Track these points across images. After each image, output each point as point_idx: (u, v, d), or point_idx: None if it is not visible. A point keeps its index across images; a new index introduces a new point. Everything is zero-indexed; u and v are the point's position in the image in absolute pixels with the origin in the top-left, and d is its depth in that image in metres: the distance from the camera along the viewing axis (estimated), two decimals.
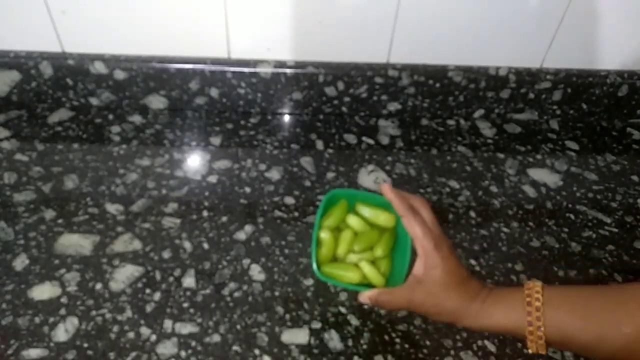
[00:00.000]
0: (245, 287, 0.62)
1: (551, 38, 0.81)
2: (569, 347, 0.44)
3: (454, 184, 0.77)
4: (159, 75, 0.80)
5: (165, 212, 0.69)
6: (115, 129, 0.81)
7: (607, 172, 0.82)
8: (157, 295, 0.60)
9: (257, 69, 0.80)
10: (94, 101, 0.84)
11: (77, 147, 0.78)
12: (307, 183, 0.75)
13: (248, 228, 0.68)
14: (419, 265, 0.50)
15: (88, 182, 0.73)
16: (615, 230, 0.72)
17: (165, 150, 0.78)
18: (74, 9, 0.74)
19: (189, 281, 0.62)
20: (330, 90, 0.83)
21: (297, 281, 0.63)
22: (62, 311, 0.58)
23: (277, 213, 0.70)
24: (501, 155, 0.83)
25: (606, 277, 0.66)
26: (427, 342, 0.58)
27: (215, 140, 0.81)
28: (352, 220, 0.56)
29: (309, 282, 0.63)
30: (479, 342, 0.58)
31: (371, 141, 0.83)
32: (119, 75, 0.80)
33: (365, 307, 0.61)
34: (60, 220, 0.67)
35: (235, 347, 0.56)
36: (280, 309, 0.60)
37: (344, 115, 0.87)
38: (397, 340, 0.58)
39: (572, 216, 0.74)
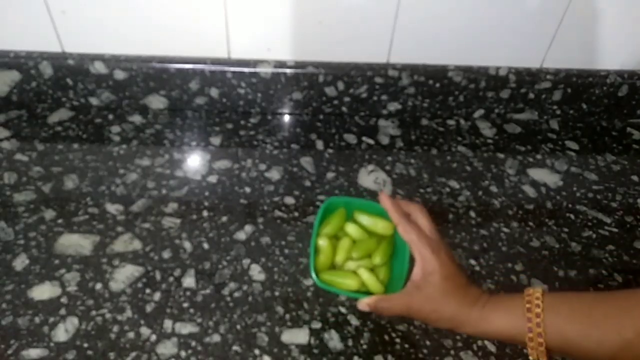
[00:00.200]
0: (245, 287, 0.62)
1: (551, 38, 0.81)
2: (569, 353, 0.44)
3: (454, 184, 0.77)
4: (159, 75, 0.80)
5: (165, 212, 0.69)
6: (115, 129, 0.81)
7: (607, 172, 0.82)
8: (157, 295, 0.60)
9: (257, 69, 0.80)
10: (94, 101, 0.84)
11: (77, 147, 0.78)
12: (307, 183, 0.75)
13: (248, 228, 0.68)
14: (417, 271, 0.49)
15: (88, 182, 0.73)
16: (615, 230, 0.72)
17: (165, 150, 0.78)
18: (74, 9, 0.74)
19: (189, 281, 0.62)
20: (330, 90, 0.83)
21: (297, 281, 0.63)
22: (62, 311, 0.58)
23: (277, 213, 0.70)
24: (501, 155, 0.83)
25: (606, 277, 0.66)
26: (427, 342, 0.58)
27: (215, 140, 0.81)
28: (351, 229, 0.56)
29: (309, 282, 0.63)
30: (479, 342, 0.58)
31: (371, 141, 0.83)
32: (119, 75, 0.80)
33: None
34: (60, 220, 0.67)
35: (235, 347, 0.56)
36: (280, 309, 0.60)
37: (344, 115, 0.87)
38: (397, 340, 0.58)
39: (572, 216, 0.74)
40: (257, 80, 0.81)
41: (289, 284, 0.62)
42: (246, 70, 0.80)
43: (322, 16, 0.76)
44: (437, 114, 0.88)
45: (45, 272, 0.61)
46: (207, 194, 0.72)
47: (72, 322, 0.57)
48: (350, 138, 0.83)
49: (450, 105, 0.87)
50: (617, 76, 0.85)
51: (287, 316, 0.59)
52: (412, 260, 0.51)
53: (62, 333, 0.56)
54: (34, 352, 0.54)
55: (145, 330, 0.57)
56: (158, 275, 0.62)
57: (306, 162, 0.78)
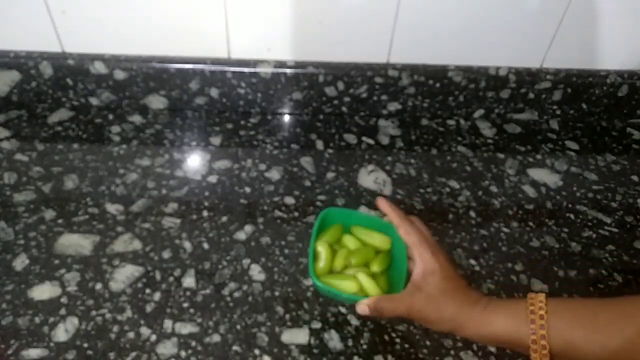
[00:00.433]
0: (245, 287, 0.62)
1: (551, 38, 0.81)
2: (573, 358, 0.43)
3: (454, 184, 0.77)
4: (159, 75, 0.80)
5: (165, 212, 0.69)
6: (115, 129, 0.81)
7: (607, 172, 0.82)
8: (157, 295, 0.60)
9: (257, 69, 0.80)
10: (94, 101, 0.84)
11: (77, 147, 0.78)
12: (307, 183, 0.75)
13: (248, 228, 0.68)
14: (417, 272, 0.50)
15: (88, 182, 0.73)
16: (615, 230, 0.72)
17: (165, 150, 0.78)
18: (74, 9, 0.74)
19: (189, 281, 0.62)
20: (330, 90, 0.83)
21: (297, 281, 0.63)
22: (62, 311, 0.58)
23: (277, 213, 0.70)
24: (501, 155, 0.83)
25: (606, 277, 0.66)
26: (427, 342, 0.58)
27: (215, 140, 0.81)
28: (348, 240, 0.57)
29: (309, 282, 0.63)
30: (480, 343, 0.58)
31: (371, 141, 0.83)
32: (119, 75, 0.80)
33: None
34: (60, 220, 0.67)
35: (235, 347, 0.56)
36: (280, 309, 0.60)
37: (344, 115, 0.87)
38: (397, 340, 0.58)
39: (572, 216, 0.74)
40: (257, 80, 0.81)
41: (289, 284, 0.62)
42: (246, 70, 0.80)
43: (322, 16, 0.76)
44: (437, 114, 0.88)
45: (45, 272, 0.61)
46: (207, 194, 0.72)
47: (72, 322, 0.57)
48: (350, 138, 0.83)
49: (450, 105, 0.87)
50: (617, 76, 0.85)
51: (287, 316, 0.59)
52: (409, 274, 0.51)
53: (62, 333, 0.56)
54: (34, 352, 0.54)
55: (145, 330, 0.57)
56: (158, 275, 0.62)
57: (306, 162, 0.78)
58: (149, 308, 0.59)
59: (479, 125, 0.88)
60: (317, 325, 0.59)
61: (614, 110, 0.90)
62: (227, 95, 0.83)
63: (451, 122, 0.88)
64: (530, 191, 0.77)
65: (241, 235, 0.67)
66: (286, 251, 0.66)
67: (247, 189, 0.73)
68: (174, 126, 0.83)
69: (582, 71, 0.84)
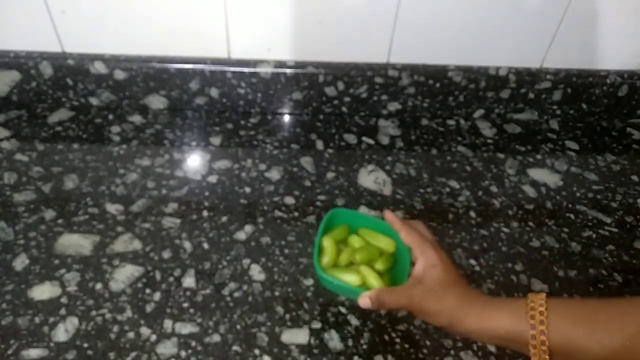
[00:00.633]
0: (245, 287, 0.62)
1: (551, 38, 0.81)
2: (572, 356, 0.43)
3: (454, 184, 0.77)
4: (159, 75, 0.80)
5: (165, 212, 0.69)
6: (115, 129, 0.81)
7: (607, 172, 0.82)
8: (157, 295, 0.60)
9: (257, 69, 0.80)
10: (94, 101, 0.84)
11: (77, 147, 0.78)
12: (307, 183, 0.75)
13: (248, 228, 0.68)
14: (419, 267, 0.50)
15: (88, 182, 0.73)
16: (615, 230, 0.72)
17: (165, 150, 0.78)
18: (74, 9, 0.74)
19: (189, 281, 0.62)
20: (330, 90, 0.83)
21: (297, 281, 0.63)
22: (62, 311, 0.58)
23: (277, 213, 0.70)
24: (501, 155, 0.83)
25: (606, 277, 0.66)
26: (427, 342, 0.58)
27: (215, 140, 0.81)
28: (354, 240, 0.57)
29: (309, 282, 0.63)
30: (479, 342, 0.58)
31: (371, 141, 0.83)
32: (119, 75, 0.80)
33: None
34: (60, 220, 0.67)
35: (235, 347, 0.56)
36: (280, 309, 0.60)
37: (344, 115, 0.87)
38: (397, 340, 0.58)
39: (572, 216, 0.74)
40: (257, 80, 0.81)
41: (289, 284, 0.62)
42: (246, 70, 0.80)
43: (322, 16, 0.76)
44: (437, 114, 0.88)
45: (45, 272, 0.61)
46: (207, 194, 0.72)
47: (72, 322, 0.57)
48: (350, 138, 0.83)
49: (450, 105, 0.87)
50: (617, 76, 0.85)
51: (287, 316, 0.59)
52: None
53: (62, 333, 0.56)
54: (34, 352, 0.54)
55: (145, 330, 0.57)
56: (158, 275, 0.62)
57: (306, 162, 0.78)
58: (149, 308, 0.59)
59: (479, 125, 0.88)
60: (317, 325, 0.59)
61: (614, 110, 0.90)
62: (227, 95, 0.83)
63: (451, 122, 0.88)
64: (530, 191, 0.77)
65: (241, 235, 0.67)
66: (286, 251, 0.66)
67: (247, 189, 0.73)
68: (174, 126, 0.83)
69: (582, 71, 0.84)
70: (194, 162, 0.77)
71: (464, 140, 0.85)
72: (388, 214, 0.55)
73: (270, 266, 0.64)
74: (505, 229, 0.71)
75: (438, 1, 0.75)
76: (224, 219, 0.69)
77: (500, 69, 0.83)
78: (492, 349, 0.58)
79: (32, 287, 0.60)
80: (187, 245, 0.66)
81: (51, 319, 0.57)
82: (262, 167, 0.77)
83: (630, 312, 0.42)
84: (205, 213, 0.69)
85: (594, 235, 0.71)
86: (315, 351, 0.56)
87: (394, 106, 0.86)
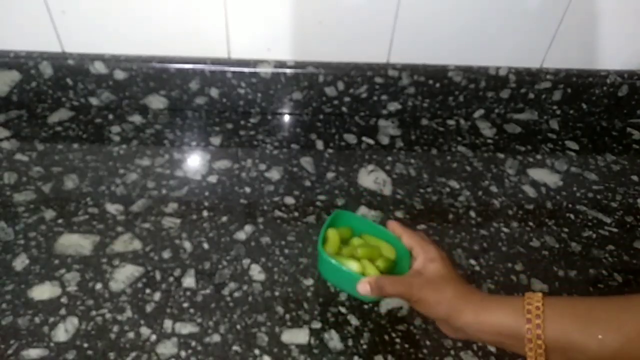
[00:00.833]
0: (245, 287, 0.62)
1: (551, 38, 0.81)
2: (569, 354, 0.43)
3: (454, 184, 0.77)
4: (159, 75, 0.80)
5: (165, 212, 0.69)
6: (115, 129, 0.81)
7: (607, 172, 0.82)
8: (157, 295, 0.60)
9: (257, 69, 0.80)
10: (94, 101, 0.84)
11: (77, 147, 0.78)
12: (307, 183, 0.75)
13: (248, 228, 0.68)
14: (419, 261, 0.52)
15: (88, 182, 0.73)
16: (615, 230, 0.72)
17: (165, 150, 0.78)
18: (74, 9, 0.74)
19: (189, 281, 0.62)
20: (330, 90, 0.83)
21: (297, 281, 0.63)
22: (62, 311, 0.58)
23: (277, 213, 0.70)
24: (501, 155, 0.83)
25: (606, 277, 0.66)
26: (427, 342, 0.58)
27: (215, 140, 0.81)
28: (356, 241, 0.58)
29: (309, 282, 0.63)
30: (479, 342, 0.58)
31: (371, 141, 0.83)
32: (119, 75, 0.80)
33: (365, 307, 0.61)
34: (60, 220, 0.67)
35: (235, 347, 0.56)
36: (280, 309, 0.60)
37: (344, 115, 0.87)
38: (397, 340, 0.58)
39: (572, 216, 0.74)
40: (257, 80, 0.81)
41: (289, 284, 0.62)
42: (246, 70, 0.80)
43: (322, 16, 0.76)
44: (437, 114, 0.88)
45: (45, 272, 0.61)
46: (207, 194, 0.72)
47: (72, 322, 0.57)
48: (350, 138, 0.83)
49: (450, 105, 0.87)
50: (617, 76, 0.85)
51: (287, 316, 0.59)
52: None
53: (62, 333, 0.56)
54: (34, 352, 0.54)
55: (145, 330, 0.57)
56: (158, 275, 0.62)
57: (306, 162, 0.78)
58: (149, 308, 0.59)
59: (479, 125, 0.88)
60: (317, 325, 0.59)
61: (614, 110, 0.90)
62: (227, 95, 0.83)
63: (451, 122, 0.88)
64: (530, 191, 0.77)
65: (241, 235, 0.67)
66: (286, 251, 0.66)
67: (247, 189, 0.73)
68: (174, 126, 0.83)
69: (582, 71, 0.84)
70: (194, 162, 0.77)
71: (464, 140, 0.85)
72: (391, 223, 0.56)
73: (270, 266, 0.64)
74: (505, 229, 0.71)
75: (438, 1, 0.75)
76: (224, 219, 0.69)
77: (500, 69, 0.83)
78: (492, 349, 0.58)
79: (32, 287, 0.60)
80: (187, 245, 0.66)
81: (51, 319, 0.57)
82: (262, 167, 0.77)
83: (627, 310, 0.42)
84: (205, 213, 0.69)
85: (594, 235, 0.71)
86: (315, 351, 0.56)
87: (394, 106, 0.86)
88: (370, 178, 0.77)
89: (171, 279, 0.62)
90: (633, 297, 0.43)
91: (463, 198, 0.75)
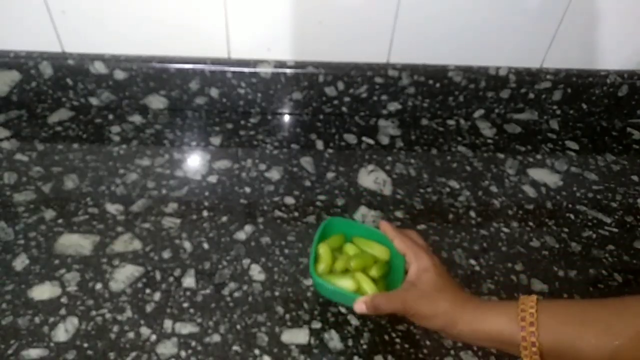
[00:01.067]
0: (245, 287, 0.62)
1: (551, 38, 0.81)
2: (563, 357, 0.43)
3: (454, 184, 0.77)
4: (159, 75, 0.80)
5: (165, 212, 0.69)
6: (115, 129, 0.81)
7: (607, 172, 0.82)
8: (157, 295, 0.60)
9: (257, 69, 0.80)
10: (94, 101, 0.84)
11: (77, 147, 0.78)
12: (307, 183, 0.75)
13: (248, 228, 0.68)
14: (412, 271, 0.52)
15: (88, 182, 0.73)
16: (615, 230, 0.72)
17: (165, 150, 0.78)
18: (74, 9, 0.74)
19: (189, 281, 0.62)
20: (330, 90, 0.83)
21: (297, 281, 0.63)
22: (62, 311, 0.58)
23: (277, 213, 0.70)
24: (501, 155, 0.83)
25: (606, 277, 0.66)
26: (427, 342, 0.58)
27: (215, 140, 0.81)
28: (349, 248, 0.59)
29: (309, 282, 0.63)
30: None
31: (371, 141, 0.83)
32: (119, 75, 0.80)
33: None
34: (60, 220, 0.67)
35: (235, 347, 0.56)
36: (280, 309, 0.60)
37: (344, 115, 0.87)
38: (397, 340, 0.58)
39: (572, 216, 0.74)
40: (257, 80, 0.81)
41: (289, 284, 0.62)
42: (246, 70, 0.80)
43: (322, 16, 0.76)
44: (437, 114, 0.88)
45: (45, 272, 0.61)
46: (207, 194, 0.72)
47: (72, 322, 0.57)
48: (350, 138, 0.83)
49: (450, 105, 0.87)
50: (617, 76, 0.85)
51: (287, 316, 0.59)
52: None
53: (62, 333, 0.56)
54: (34, 352, 0.54)
55: (145, 330, 0.57)
56: (158, 275, 0.62)
57: (306, 162, 0.78)
58: (149, 308, 0.59)
59: (479, 125, 0.88)
60: (317, 325, 0.59)
61: (614, 110, 0.90)
62: (227, 95, 0.83)
63: (451, 122, 0.88)
64: (530, 191, 0.77)
65: (241, 235, 0.67)
66: (286, 251, 0.66)
67: (247, 189, 0.73)
68: (174, 126, 0.83)
69: (582, 71, 0.84)
70: (194, 162, 0.77)
71: (464, 140, 0.85)
72: (383, 224, 0.57)
73: (270, 266, 0.64)
74: (505, 229, 0.71)
75: (438, 1, 0.75)
76: (224, 219, 0.69)
77: (500, 69, 0.83)
78: (492, 349, 0.58)
79: (32, 287, 0.60)
80: (187, 245, 0.66)
81: (51, 319, 0.57)
82: (262, 167, 0.77)
83: (620, 314, 0.42)
84: (205, 213, 0.69)
85: (594, 235, 0.71)
86: (315, 351, 0.56)
87: (394, 106, 0.86)
88: (370, 178, 0.77)
89: (171, 279, 0.62)
90: (626, 300, 0.43)
91: (463, 198, 0.75)
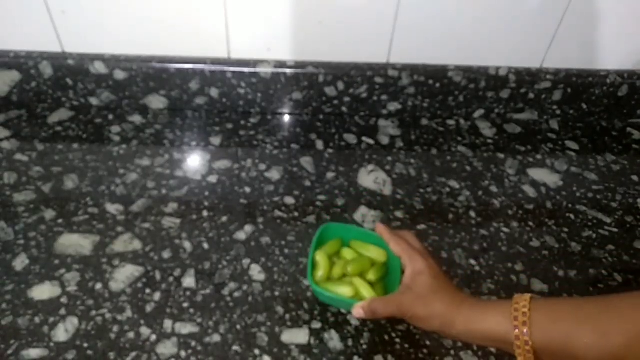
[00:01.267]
0: (245, 287, 0.62)
1: (551, 38, 0.81)
2: (557, 355, 0.44)
3: (454, 184, 0.77)
4: (159, 75, 0.80)
5: (165, 212, 0.69)
6: (115, 129, 0.81)
7: (607, 172, 0.82)
8: (157, 295, 0.60)
9: (257, 69, 0.80)
10: (94, 101, 0.84)
11: (77, 147, 0.78)
12: (307, 183, 0.75)
13: (248, 228, 0.68)
14: (407, 274, 0.53)
15: (88, 182, 0.73)
16: (615, 230, 0.72)
17: (165, 150, 0.78)
18: (74, 9, 0.74)
19: (189, 281, 0.62)
20: (330, 90, 0.83)
21: (297, 281, 0.63)
22: (62, 311, 0.58)
23: (277, 213, 0.70)
24: (501, 155, 0.83)
25: (606, 277, 0.66)
26: (427, 342, 0.58)
27: (215, 140, 0.81)
28: (346, 253, 0.60)
29: (309, 282, 0.62)
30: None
31: (371, 141, 0.83)
32: (119, 75, 0.80)
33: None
34: (60, 220, 0.67)
35: (235, 347, 0.56)
36: (280, 309, 0.60)
37: (344, 115, 0.87)
38: (397, 340, 0.58)
39: (572, 216, 0.74)
40: (257, 80, 0.81)
41: (289, 284, 0.62)
42: (246, 70, 0.80)
43: (322, 16, 0.76)
44: (437, 114, 0.88)
45: (45, 272, 0.61)
46: (207, 194, 0.72)
47: (72, 322, 0.57)
48: (350, 138, 0.83)
49: (450, 105, 0.87)
50: (617, 76, 0.85)
51: (287, 316, 0.59)
52: None
53: (62, 333, 0.56)
54: (34, 352, 0.54)
55: (145, 330, 0.57)
56: (158, 275, 0.62)
57: (306, 162, 0.78)
58: (149, 308, 0.59)
59: (479, 125, 0.88)
60: (317, 325, 0.59)
61: (614, 110, 0.90)
62: (227, 95, 0.83)
63: (451, 122, 0.88)
64: (530, 191, 0.77)
65: (241, 235, 0.67)
66: (286, 251, 0.66)
67: (247, 189, 0.73)
68: (174, 126, 0.83)
69: (582, 71, 0.84)
70: (194, 162, 0.77)
71: (464, 140, 0.85)
72: (379, 227, 0.57)
73: (270, 266, 0.64)
74: (505, 229, 0.71)
75: (438, 1, 0.75)
76: (224, 219, 0.69)
77: (500, 69, 0.83)
78: (492, 349, 0.58)
79: (32, 287, 0.60)
80: (187, 245, 0.66)
81: (51, 319, 0.57)
82: (262, 167, 0.77)
83: (612, 313, 0.42)
84: (205, 213, 0.69)
85: (594, 235, 0.71)
86: (315, 351, 0.56)
87: (394, 106, 0.86)
88: (370, 178, 0.77)
89: (171, 279, 0.62)
90: (617, 298, 0.43)
91: (463, 198, 0.75)
